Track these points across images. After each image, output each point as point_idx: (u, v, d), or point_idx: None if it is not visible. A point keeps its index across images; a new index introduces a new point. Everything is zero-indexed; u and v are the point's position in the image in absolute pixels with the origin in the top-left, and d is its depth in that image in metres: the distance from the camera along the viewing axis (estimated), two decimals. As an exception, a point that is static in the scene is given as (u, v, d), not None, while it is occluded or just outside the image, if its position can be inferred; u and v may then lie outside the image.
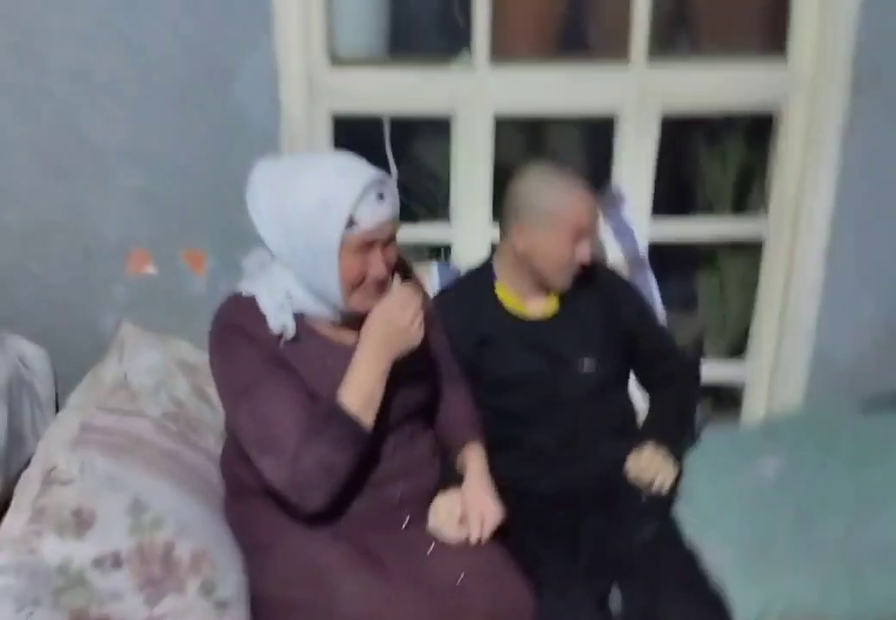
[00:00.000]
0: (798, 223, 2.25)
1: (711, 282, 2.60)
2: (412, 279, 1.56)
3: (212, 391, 1.94)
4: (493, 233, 2.19)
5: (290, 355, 1.51)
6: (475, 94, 2.09)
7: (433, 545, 1.57)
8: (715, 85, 2.14)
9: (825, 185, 2.19)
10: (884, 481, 1.97)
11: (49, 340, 2.10)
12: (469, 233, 2.20)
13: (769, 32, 2.18)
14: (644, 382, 2.02)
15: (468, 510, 1.60)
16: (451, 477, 1.67)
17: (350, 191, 1.42)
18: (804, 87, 2.15)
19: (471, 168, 2.15)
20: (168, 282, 2.14)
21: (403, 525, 1.60)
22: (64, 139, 2.02)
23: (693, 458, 2.10)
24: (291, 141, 2.03)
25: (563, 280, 1.84)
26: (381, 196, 1.46)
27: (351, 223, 1.43)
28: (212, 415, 1.90)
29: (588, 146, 2.63)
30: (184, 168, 2.06)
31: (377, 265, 1.48)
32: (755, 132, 2.35)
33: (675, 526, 1.75)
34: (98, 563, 1.41)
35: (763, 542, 1.77)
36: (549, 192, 1.77)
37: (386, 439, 1.58)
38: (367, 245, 1.47)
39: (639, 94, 2.12)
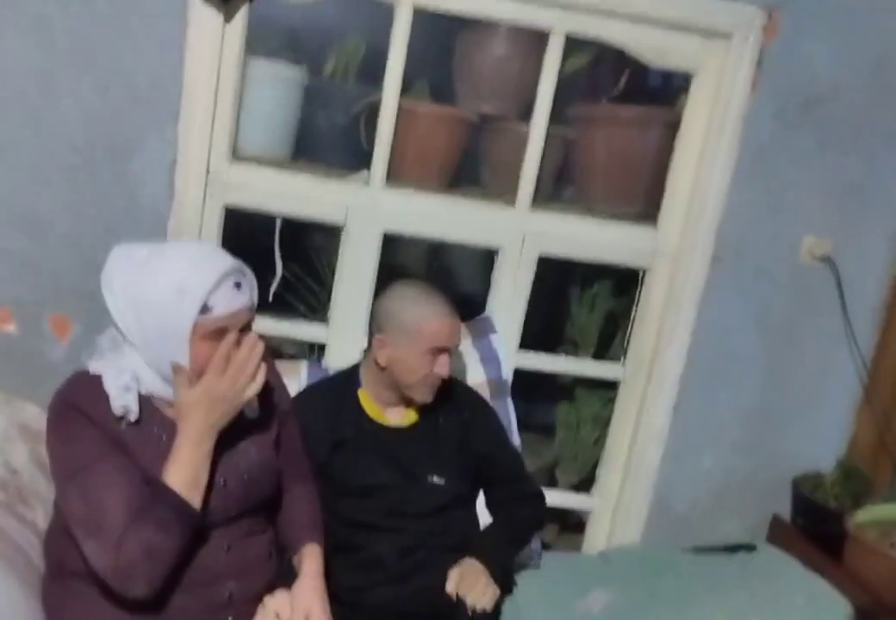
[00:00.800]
0: (652, 374, 2.39)
1: (569, 412, 2.70)
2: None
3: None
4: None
5: (129, 437, 1.50)
6: (367, 209, 2.19)
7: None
8: (590, 237, 2.31)
9: (679, 343, 2.35)
10: (694, 617, 2.06)
11: None
12: (344, 335, 2.25)
13: (646, 199, 2.36)
14: (490, 504, 2.06)
15: (295, 611, 1.59)
16: (287, 577, 1.65)
17: (206, 278, 1.45)
18: (669, 253, 2.33)
19: (355, 275, 2.21)
20: (28, 343, 2.10)
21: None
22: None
23: (529, 582, 2.15)
24: (179, 226, 2.06)
25: (423, 393, 1.90)
26: (237, 285, 1.49)
27: (205, 309, 1.45)
28: (46, 488, 1.82)
29: (470, 272, 2.75)
30: (65, 235, 2.06)
31: (224, 351, 1.48)
32: (625, 282, 2.50)
33: None
34: None
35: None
36: (411, 308, 1.85)
37: (221, 535, 1.56)
38: (220, 331, 1.48)
39: (520, 234, 2.26)
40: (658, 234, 2.33)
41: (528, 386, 2.38)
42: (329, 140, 2.24)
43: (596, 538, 2.56)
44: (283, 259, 2.29)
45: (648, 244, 2.33)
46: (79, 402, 1.49)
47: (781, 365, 2.43)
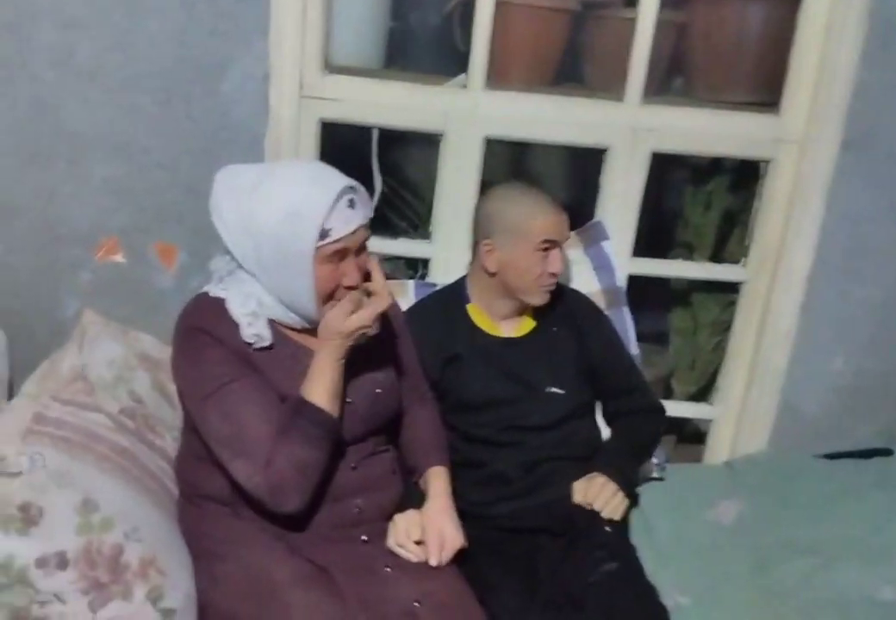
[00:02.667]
0: (777, 272, 2.25)
1: (684, 319, 2.58)
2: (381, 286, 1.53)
3: (173, 389, 1.90)
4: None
5: (258, 360, 1.49)
6: (467, 114, 2.07)
7: (389, 564, 1.53)
8: (707, 129, 2.14)
9: (807, 238, 2.20)
10: (839, 532, 1.98)
11: (7, 322, 2.03)
12: (448, 250, 2.17)
13: (767, 85, 2.18)
14: (607, 415, 2.00)
15: (427, 532, 1.57)
16: (413, 498, 1.64)
17: (321, 200, 1.41)
18: (795, 141, 2.16)
19: (456, 186, 2.12)
20: (136, 273, 2.09)
21: (362, 541, 1.56)
22: (41, 122, 1.96)
23: (654, 494, 2.09)
24: (277, 144, 2.00)
25: (538, 295, 1.83)
26: (351, 203, 1.44)
27: (323, 233, 1.41)
28: (171, 414, 1.84)
29: (575, 177, 2.62)
30: (162, 161, 2.01)
31: (351, 274, 1.47)
32: (741, 177, 2.34)
33: (636, 565, 1.73)
34: (42, 562, 1.36)
35: (718, 589, 1.76)
36: (515, 207, 1.78)
37: (348, 455, 1.56)
38: (340, 254, 1.44)
39: (631, 131, 2.11)
40: (781, 121, 2.15)
41: (638, 293, 2.27)
42: (423, 44, 2.14)
43: (718, 448, 2.47)
44: (382, 174, 2.22)
45: (771, 132, 2.16)
46: (206, 325, 1.48)
47: (918, 256, 2.26)
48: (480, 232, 1.82)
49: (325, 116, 2.04)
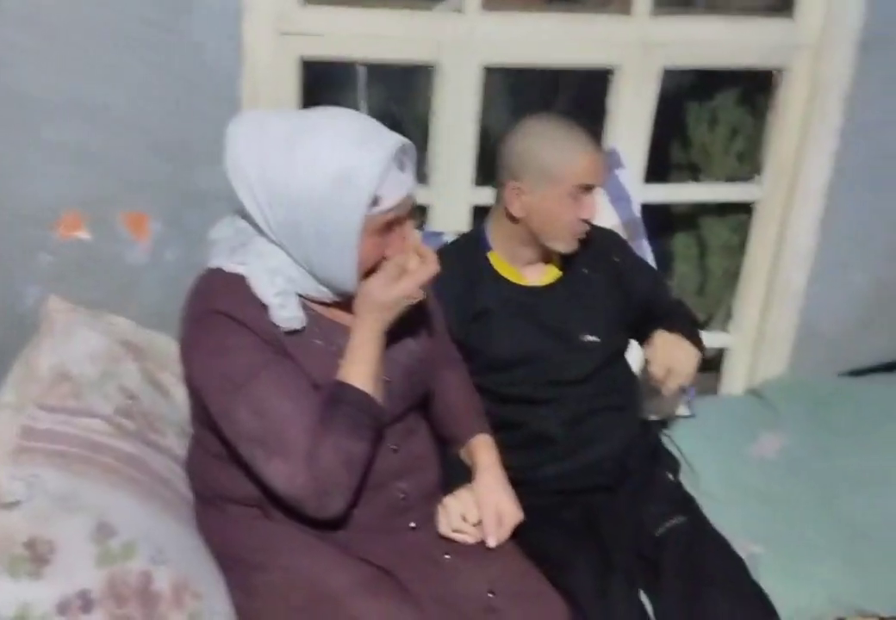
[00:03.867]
0: (794, 188, 2.14)
1: (688, 244, 2.46)
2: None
3: (165, 377, 1.71)
4: (476, 196, 1.99)
5: (288, 342, 1.29)
6: (463, 41, 1.86)
7: (447, 551, 1.39)
8: (719, 41, 1.99)
9: (825, 148, 2.10)
10: (890, 450, 1.91)
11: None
12: (449, 195, 1.99)
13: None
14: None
15: (483, 510, 1.42)
16: (457, 473, 1.49)
17: (374, 163, 1.20)
18: (810, 45, 2.02)
19: (455, 124, 1.92)
20: (103, 249, 1.85)
21: (410, 528, 1.41)
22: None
23: (688, 432, 2.00)
24: (254, 88, 1.76)
25: (567, 242, 1.66)
26: (401, 165, 1.25)
27: (374, 201, 1.21)
28: (169, 408, 1.64)
29: (575, 103, 2.43)
30: (125, 118, 1.75)
31: (398, 245, 1.28)
32: (749, 90, 2.19)
33: (701, 515, 1.62)
34: (64, 608, 1.15)
35: (789, 533, 1.68)
36: (549, 145, 1.58)
37: (388, 437, 1.38)
38: (390, 224, 1.26)
39: (641, 46, 1.93)
40: (795, 25, 2.00)
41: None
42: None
43: (735, 376, 2.38)
44: (371, 114, 1.99)
45: (785, 38, 2.00)
46: (227, 307, 1.27)
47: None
48: (507, 172, 1.63)
49: (306, 54, 1.80)
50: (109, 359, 1.62)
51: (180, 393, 1.63)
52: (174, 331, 1.62)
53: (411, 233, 1.32)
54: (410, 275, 1.29)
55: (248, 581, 1.34)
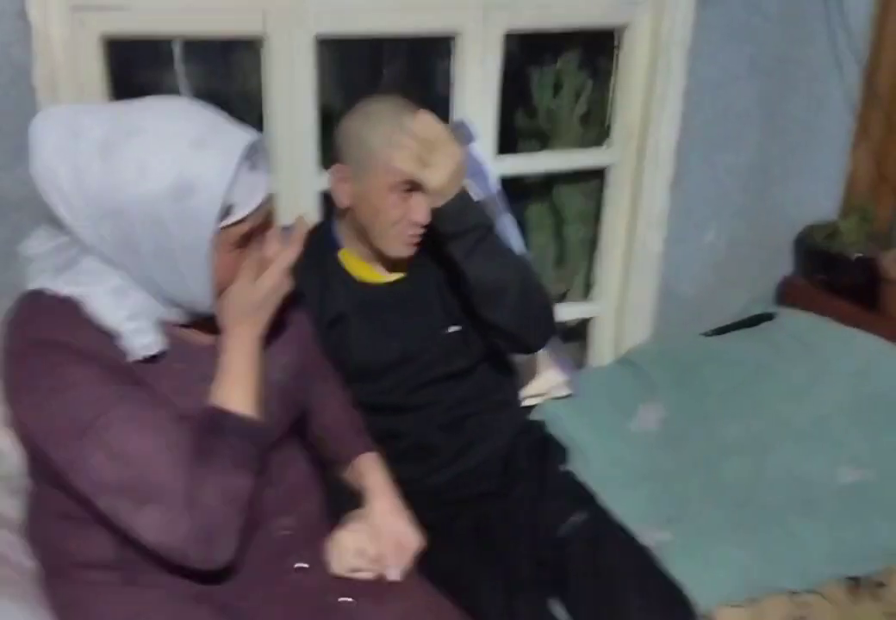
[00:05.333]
0: (644, 150, 2.09)
1: (542, 213, 2.37)
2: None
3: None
4: (323, 182, 1.82)
5: (141, 369, 1.09)
6: (293, 9, 1.66)
7: (344, 592, 1.22)
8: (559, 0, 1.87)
9: (671, 107, 2.06)
10: (770, 416, 1.91)
11: None
12: (293, 182, 1.80)
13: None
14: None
15: (381, 541, 1.28)
16: (343, 499, 1.34)
17: (220, 169, 1.01)
18: (650, 1, 1.95)
19: (290, 102, 1.73)
20: None
21: (299, 570, 1.23)
22: None
23: (569, 411, 1.93)
24: (50, 76, 1.50)
25: (396, 245, 1.48)
26: (253, 164, 1.06)
27: (224, 211, 1.03)
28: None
29: (415, 76, 2.28)
30: None
31: (254, 254, 1.10)
32: (590, 53, 2.12)
33: (601, 507, 1.53)
34: None
35: (688, 514, 1.63)
36: (375, 128, 1.39)
37: (263, 466, 1.18)
38: (247, 236, 1.07)
39: (482, 9, 1.80)
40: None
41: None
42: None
43: (602, 344, 2.33)
44: (193, 94, 1.78)
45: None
46: (58, 335, 1.05)
47: (778, 110, 2.18)
48: (334, 153, 1.45)
49: (108, 31, 1.55)
50: None
51: (4, 441, 1.37)
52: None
53: (272, 240, 1.14)
54: (273, 262, 1.12)
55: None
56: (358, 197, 1.44)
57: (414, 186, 1.41)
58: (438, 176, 1.38)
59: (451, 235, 1.44)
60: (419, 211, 1.43)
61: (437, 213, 1.42)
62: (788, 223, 2.34)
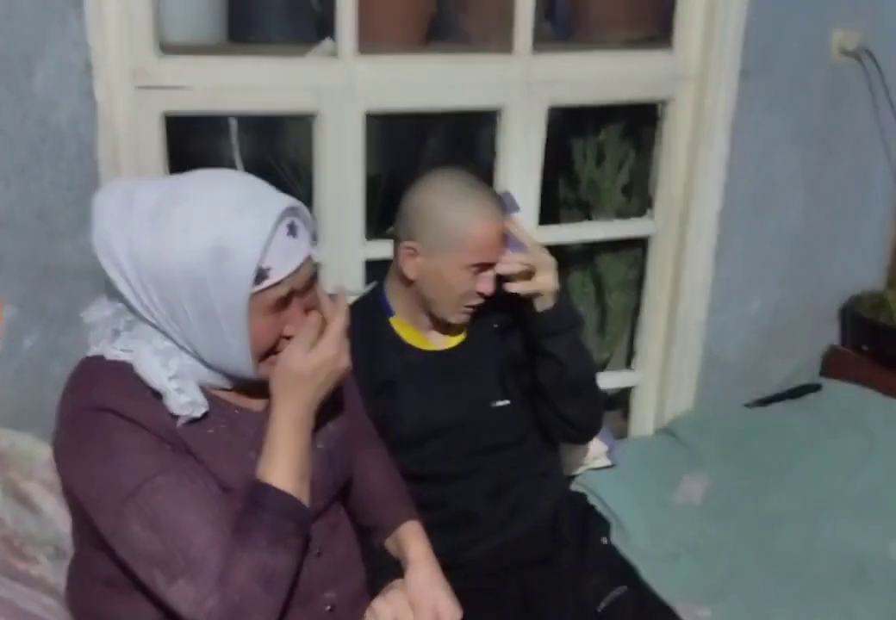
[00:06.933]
0: (687, 219, 2.10)
1: (584, 283, 2.39)
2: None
3: (31, 487, 1.47)
4: (369, 251, 1.86)
5: (189, 437, 1.11)
6: (343, 87, 1.72)
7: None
8: (602, 75, 1.92)
9: (714, 177, 2.06)
10: (819, 488, 1.88)
11: None
12: (340, 252, 1.84)
13: (654, 21, 2.00)
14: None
15: (419, 612, 1.27)
16: (384, 568, 1.33)
17: (255, 230, 1.05)
18: (692, 76, 1.99)
19: (340, 175, 1.78)
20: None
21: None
22: None
23: (610, 484, 1.92)
24: (113, 151, 1.57)
25: (457, 314, 1.54)
26: (292, 230, 1.09)
27: (260, 275, 1.05)
28: (37, 526, 1.42)
29: (459, 146, 2.33)
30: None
31: (299, 321, 1.12)
32: (634, 124, 2.16)
33: (642, 582, 1.51)
34: None
35: (732, 589, 1.60)
36: (456, 209, 1.45)
37: (309, 536, 1.19)
38: (283, 301, 1.10)
39: (525, 85, 1.85)
40: (676, 56, 1.96)
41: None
42: (270, 6, 1.75)
43: (643, 413, 2.31)
44: (248, 170, 1.84)
45: (667, 69, 1.96)
46: (112, 403, 1.08)
47: (821, 180, 2.19)
48: (403, 229, 1.49)
49: (168, 109, 1.62)
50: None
51: (50, 505, 1.41)
52: (41, 431, 1.42)
53: (322, 299, 1.17)
54: (325, 334, 1.13)
55: None
56: (428, 271, 1.49)
57: (487, 265, 1.47)
58: (551, 282, 1.51)
59: (552, 332, 1.53)
60: (488, 285, 1.50)
61: (542, 313, 1.52)
62: (833, 292, 2.33)
